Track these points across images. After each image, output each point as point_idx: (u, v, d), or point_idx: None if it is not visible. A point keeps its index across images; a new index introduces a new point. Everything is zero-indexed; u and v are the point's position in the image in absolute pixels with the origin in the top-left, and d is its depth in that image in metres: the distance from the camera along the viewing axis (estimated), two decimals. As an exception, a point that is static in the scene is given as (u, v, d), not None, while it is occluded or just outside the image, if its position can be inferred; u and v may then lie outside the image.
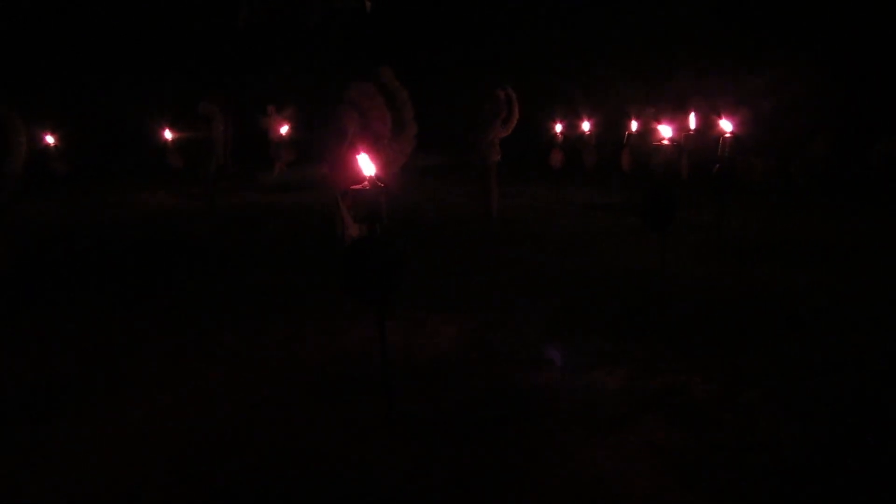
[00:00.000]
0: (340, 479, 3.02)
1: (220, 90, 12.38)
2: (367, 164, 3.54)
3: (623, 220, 8.54)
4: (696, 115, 9.07)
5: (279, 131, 13.99)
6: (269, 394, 3.92)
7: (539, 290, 5.80)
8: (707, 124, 9.61)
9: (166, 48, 15.17)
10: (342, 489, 2.95)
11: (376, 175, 3.54)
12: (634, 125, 10.79)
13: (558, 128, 10.90)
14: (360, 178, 3.55)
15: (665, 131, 5.35)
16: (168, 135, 11.69)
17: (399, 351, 4.38)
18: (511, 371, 4.12)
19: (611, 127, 12.46)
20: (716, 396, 3.70)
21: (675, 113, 10.42)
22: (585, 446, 3.21)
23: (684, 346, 4.39)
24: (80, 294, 6.07)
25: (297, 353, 4.52)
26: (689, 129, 8.84)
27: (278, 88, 14.65)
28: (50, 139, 11.26)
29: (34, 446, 3.38)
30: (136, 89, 15.04)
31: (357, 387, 3.95)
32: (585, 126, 10.67)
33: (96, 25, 14.59)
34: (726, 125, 6.14)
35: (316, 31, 13.41)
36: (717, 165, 6.12)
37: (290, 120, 13.97)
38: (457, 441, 3.30)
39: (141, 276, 6.69)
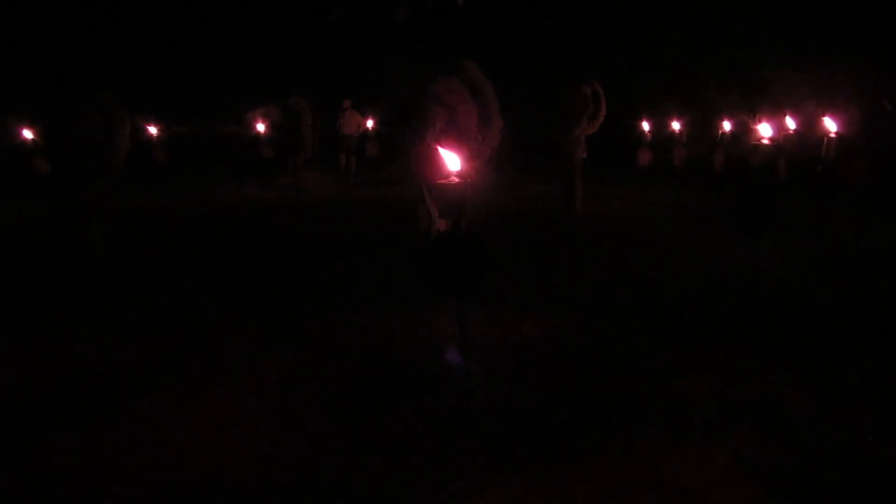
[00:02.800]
0: (417, 470, 3.03)
1: (309, 85, 12.74)
2: (452, 159, 3.53)
3: (714, 222, 8.21)
4: (795, 115, 8.61)
5: (354, 126, 14.24)
6: (350, 382, 3.98)
7: (623, 290, 5.65)
8: (808, 124, 9.11)
9: (259, 44, 15.71)
10: (418, 480, 2.95)
11: (462, 170, 3.52)
12: (728, 125, 10.37)
13: (646, 126, 10.60)
14: (445, 173, 3.54)
15: (764, 130, 5.09)
16: (261, 127, 12.10)
17: (479, 347, 4.36)
18: (591, 373, 4.03)
19: (702, 125, 12.03)
20: (812, 410, 3.49)
21: (773, 113, 9.94)
22: (670, 456, 3.09)
23: (779, 356, 4.17)
24: (173, 279, 6.36)
25: (378, 345, 4.57)
26: (788, 130, 8.40)
27: (366, 83, 14.91)
28: (152, 130, 11.85)
29: (127, 423, 3.55)
30: (232, 84, 15.66)
31: (436, 380, 3.96)
32: (675, 125, 10.33)
33: (197, 25, 15.28)
34: (830, 125, 5.78)
35: (405, 26, 13.57)
36: (821, 166, 5.78)
37: (374, 115, 14.20)
38: (535, 442, 3.25)
39: (231, 265, 6.95)
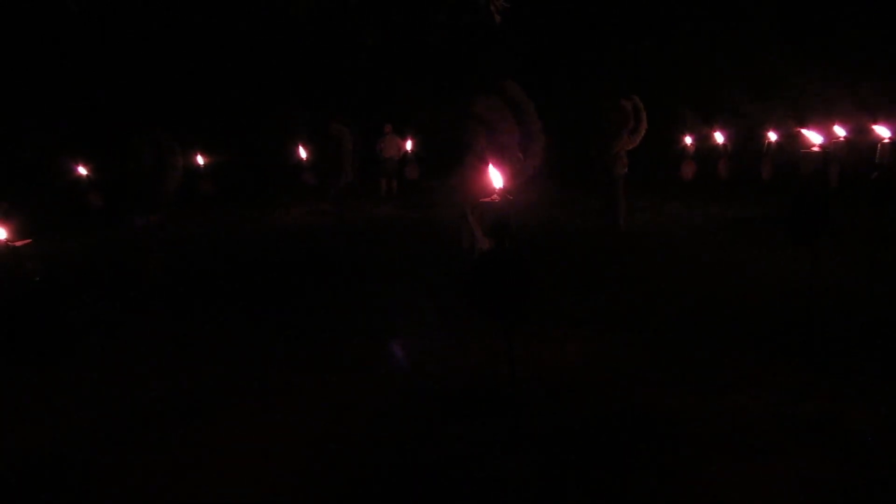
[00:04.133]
0: (467, 495, 2.99)
1: (349, 111, 12.93)
2: (495, 178, 3.53)
3: (765, 233, 8.00)
4: (844, 122, 8.38)
5: (394, 150, 14.39)
6: (396, 404, 3.97)
7: (672, 305, 5.54)
8: (859, 131, 8.86)
9: (298, 70, 16.05)
10: (471, 504, 2.92)
11: (504, 188, 3.52)
12: (773, 135, 10.16)
13: (688, 139, 10.45)
14: (488, 192, 3.54)
15: (814, 138, 4.96)
16: (302, 154, 12.31)
17: (525, 366, 4.30)
18: (641, 390, 3.94)
19: (746, 136, 11.81)
20: (878, 427, 3.34)
21: (821, 121, 9.70)
22: (726, 475, 2.99)
23: (839, 370, 4.01)
24: (223, 306, 6.48)
25: (423, 365, 4.56)
26: (838, 137, 8.17)
27: (404, 106, 15.08)
28: (200, 160, 12.17)
29: (180, 447, 3.60)
30: (273, 112, 16.02)
31: (482, 400, 3.92)
32: (719, 136, 10.15)
33: (238, 54, 15.70)
34: (883, 131, 5.60)
35: (441, 48, 13.69)
36: (875, 173, 5.58)
37: (413, 138, 14.33)
38: (586, 461, 3.18)
39: (278, 290, 7.05)
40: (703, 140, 10.84)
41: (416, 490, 3.04)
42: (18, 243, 3.36)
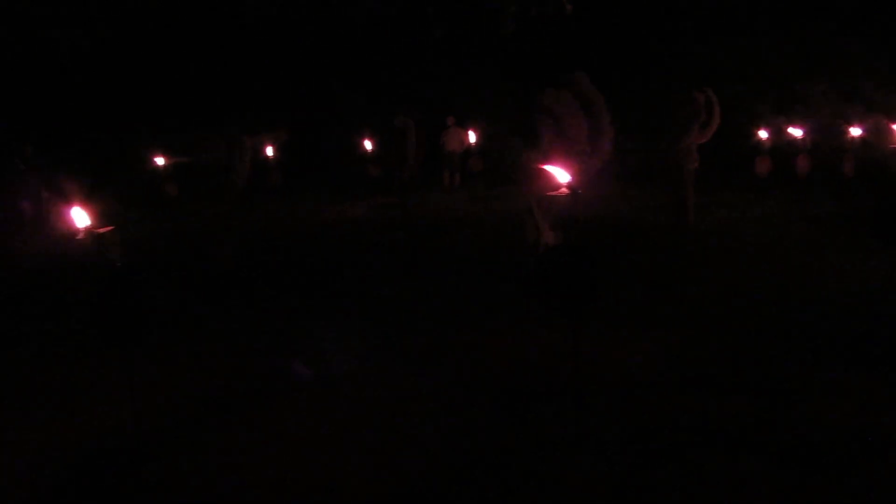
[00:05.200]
0: (528, 490, 2.96)
1: (414, 103, 13.01)
2: (561, 172, 3.48)
3: (845, 232, 7.62)
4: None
5: (457, 143, 14.37)
6: (459, 397, 3.96)
7: (744, 306, 5.34)
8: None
9: (365, 62, 16.22)
10: (530, 501, 2.89)
11: (571, 182, 3.46)
12: (857, 130, 9.67)
13: (763, 134, 10.07)
14: (554, 185, 3.49)
15: (904, 132, 4.68)
16: (368, 146, 12.46)
17: (589, 364, 4.23)
18: (710, 394, 3.81)
19: (825, 132, 11.29)
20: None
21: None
22: (798, 492, 2.84)
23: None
24: (289, 294, 6.63)
25: (484, 360, 4.54)
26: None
27: (470, 100, 15.04)
28: (269, 152, 12.48)
29: (249, 431, 3.70)
30: (340, 106, 16.26)
31: (545, 398, 3.86)
32: (796, 132, 9.73)
33: (306, 50, 15.99)
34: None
35: (511, 40, 13.58)
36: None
37: (477, 131, 14.29)
38: (648, 465, 3.10)
39: (342, 281, 7.16)
40: (780, 135, 10.42)
41: (475, 485, 3.04)
42: (102, 230, 3.51)
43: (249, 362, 4.78)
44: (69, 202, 3.82)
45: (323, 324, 5.59)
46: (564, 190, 3.37)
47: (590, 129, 5.25)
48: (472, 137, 14.28)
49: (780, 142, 10.23)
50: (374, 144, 12.82)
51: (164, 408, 4.02)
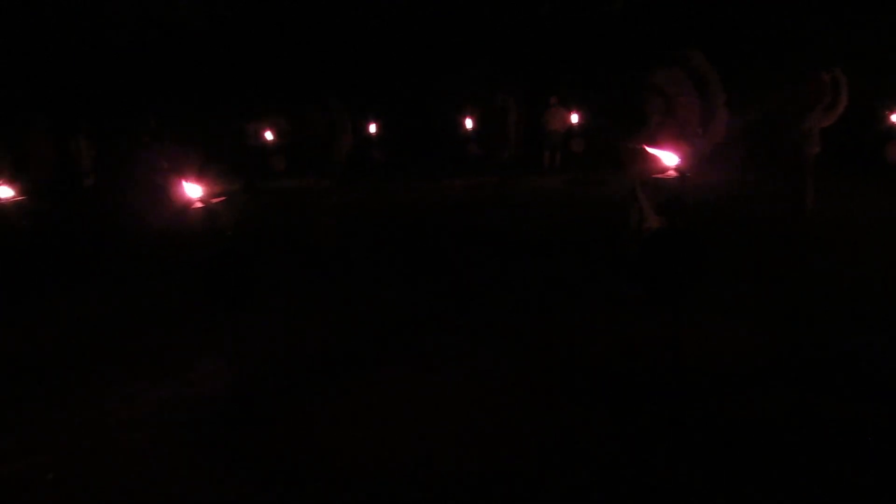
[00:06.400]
0: (617, 479, 2.88)
1: (516, 81, 12.86)
2: (669, 154, 3.33)
3: None
4: None
5: (560, 122, 14.08)
6: (551, 380, 3.90)
7: (861, 301, 4.95)
8: None
9: (467, 40, 16.16)
10: (618, 489, 2.81)
11: (680, 165, 3.31)
12: None
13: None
14: (661, 168, 3.35)
15: None
16: (468, 125, 12.45)
17: (691, 355, 4.05)
18: (816, 392, 3.56)
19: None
20: None
21: None
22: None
23: None
24: (384, 269, 6.77)
25: (582, 344, 4.44)
26: None
27: (574, 78, 14.70)
28: (372, 128, 12.71)
29: (346, 403, 3.81)
30: (442, 84, 16.30)
31: (641, 386, 3.74)
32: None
33: (407, 29, 16.12)
34: None
35: (621, 15, 13.12)
36: None
37: (580, 111, 13.96)
38: (749, 465, 2.94)
39: (436, 258, 7.22)
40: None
41: (564, 469, 2.99)
42: (213, 201, 3.69)
43: (347, 331, 4.92)
44: (186, 175, 4.04)
45: (409, 296, 5.66)
46: (672, 173, 3.22)
47: (702, 110, 4.98)
48: (574, 118, 13.98)
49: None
50: (474, 123, 12.79)
51: (266, 371, 4.20)
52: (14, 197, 6.31)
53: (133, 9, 13.30)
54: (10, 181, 6.50)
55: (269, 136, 12.07)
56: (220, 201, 3.71)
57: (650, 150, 3.94)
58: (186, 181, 3.79)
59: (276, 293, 5.91)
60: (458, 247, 7.71)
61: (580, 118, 13.89)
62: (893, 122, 9.18)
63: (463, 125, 13.04)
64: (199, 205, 3.72)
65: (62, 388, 4.18)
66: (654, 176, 3.38)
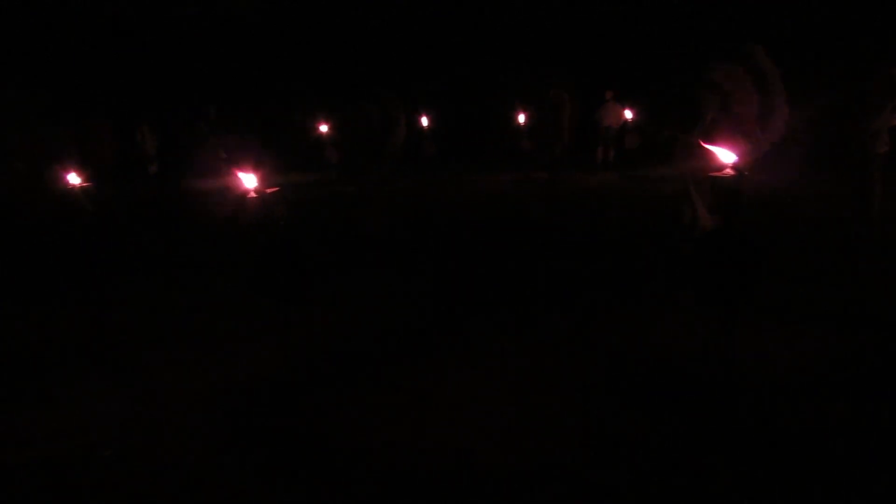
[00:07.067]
0: (665, 483, 2.83)
1: (570, 75, 12.70)
2: (726, 152, 3.24)
3: None
4: None
5: (614, 118, 13.84)
6: (598, 380, 3.85)
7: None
8: None
9: (521, 34, 16.06)
10: (667, 494, 2.76)
11: (737, 163, 3.22)
12: None
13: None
14: (718, 165, 3.26)
15: None
16: (521, 119, 12.37)
17: (744, 361, 3.94)
18: (874, 404, 3.41)
19: None
20: None
21: None
22: None
23: None
24: (430, 260, 6.81)
25: (627, 346, 4.37)
26: None
27: (630, 73, 14.45)
28: (424, 121, 12.77)
29: (387, 392, 3.85)
30: (495, 78, 16.25)
31: (690, 392, 3.65)
32: None
33: (462, 25, 16.11)
34: None
35: (680, 11, 12.83)
36: None
37: (635, 107, 13.72)
38: (800, 474, 2.85)
39: (482, 251, 7.21)
40: None
41: (610, 469, 2.95)
42: (268, 191, 3.78)
43: (391, 324, 4.96)
44: (241, 164, 4.14)
45: (456, 290, 5.69)
46: (729, 171, 3.14)
47: (761, 107, 4.82)
48: (629, 113, 13.74)
49: None
50: (527, 117, 12.71)
51: (310, 362, 4.28)
52: (81, 184, 6.60)
53: (194, 2, 13.69)
54: (78, 169, 6.80)
55: (323, 128, 12.25)
56: (274, 192, 3.79)
57: (706, 147, 3.85)
58: (243, 171, 3.89)
59: (323, 284, 6.01)
60: (506, 242, 7.68)
61: (635, 114, 13.65)
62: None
63: (515, 119, 12.97)
64: (253, 195, 3.81)
65: (114, 369, 4.34)
66: (710, 174, 3.29)
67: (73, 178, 6.55)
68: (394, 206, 8.48)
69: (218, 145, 11.28)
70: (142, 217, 10.47)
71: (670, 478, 2.87)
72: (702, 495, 2.75)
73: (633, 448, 3.11)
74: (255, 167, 3.96)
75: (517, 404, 3.60)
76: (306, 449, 3.24)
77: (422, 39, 16.32)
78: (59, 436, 3.46)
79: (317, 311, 5.13)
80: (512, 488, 2.86)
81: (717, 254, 3.03)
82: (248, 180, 3.81)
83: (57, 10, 14.71)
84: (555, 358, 4.21)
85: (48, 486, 3.00)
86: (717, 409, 3.30)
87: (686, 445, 3.11)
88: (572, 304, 5.23)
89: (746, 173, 3.24)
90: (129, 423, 3.57)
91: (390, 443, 3.25)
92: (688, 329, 4.46)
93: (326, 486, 2.93)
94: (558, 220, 8.80)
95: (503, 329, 4.77)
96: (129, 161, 12.74)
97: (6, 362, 4.57)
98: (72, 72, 14.29)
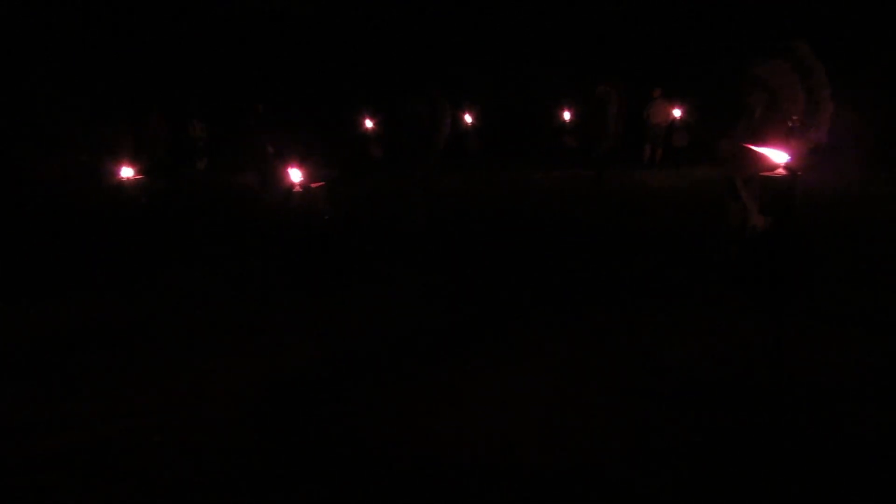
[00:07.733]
0: (698, 488, 2.78)
1: (618, 72, 12.54)
2: (778, 151, 3.16)
3: None
4: None
5: (662, 116, 13.62)
6: (633, 381, 3.78)
7: None
8: None
9: (565, 29, 15.90)
10: (698, 499, 2.71)
11: (790, 162, 3.13)
12: None
13: None
14: (770, 165, 3.18)
15: None
16: (566, 116, 12.27)
17: (792, 363, 3.83)
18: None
19: None
20: None
21: None
22: None
23: None
24: (471, 257, 6.81)
25: (672, 346, 4.28)
26: None
27: (678, 70, 14.19)
28: (468, 118, 12.77)
29: (425, 389, 3.86)
30: (542, 74, 16.14)
31: (735, 397, 3.54)
32: None
33: (502, 23, 16.05)
34: None
35: (725, 5, 12.54)
36: None
37: (684, 104, 13.48)
38: (844, 482, 2.76)
39: (524, 248, 7.18)
40: None
41: (646, 471, 2.91)
42: (313, 185, 3.84)
43: (432, 320, 4.98)
44: (290, 159, 4.22)
45: (496, 287, 5.68)
46: (781, 171, 3.06)
47: (805, 104, 4.67)
48: (677, 111, 13.50)
49: None
50: (572, 115, 12.61)
51: (351, 355, 4.32)
52: (134, 176, 6.80)
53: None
54: (131, 161, 7.01)
55: (368, 123, 12.36)
56: (320, 186, 3.85)
57: (755, 146, 3.75)
58: (290, 166, 3.96)
59: (365, 278, 6.07)
60: (549, 240, 7.63)
61: (684, 112, 13.41)
62: None
63: (560, 116, 12.88)
64: (299, 189, 3.87)
65: (157, 357, 4.43)
66: (761, 173, 3.20)
67: (127, 171, 6.75)
68: (437, 203, 8.50)
69: (266, 140, 11.49)
70: (192, 210, 10.74)
71: (713, 481, 2.82)
72: (744, 500, 2.69)
73: (675, 452, 3.06)
74: (302, 162, 4.03)
75: (556, 404, 3.58)
76: (340, 444, 3.26)
77: (468, 35, 16.31)
78: (100, 420, 3.54)
79: (356, 305, 5.18)
80: (553, 488, 2.84)
81: (767, 255, 2.96)
82: (295, 175, 3.88)
83: (114, 6, 15.18)
84: (597, 358, 4.16)
85: (88, 473, 3.08)
86: (762, 414, 3.22)
87: (729, 450, 3.04)
88: (614, 303, 5.16)
89: (799, 173, 3.15)
90: (168, 412, 3.63)
91: (430, 439, 3.26)
92: (732, 330, 4.37)
93: (361, 482, 2.94)
94: (603, 218, 8.71)
95: (543, 328, 4.74)
96: (181, 155, 13.07)
97: (52, 348, 4.72)
98: (127, 67, 14.73)
